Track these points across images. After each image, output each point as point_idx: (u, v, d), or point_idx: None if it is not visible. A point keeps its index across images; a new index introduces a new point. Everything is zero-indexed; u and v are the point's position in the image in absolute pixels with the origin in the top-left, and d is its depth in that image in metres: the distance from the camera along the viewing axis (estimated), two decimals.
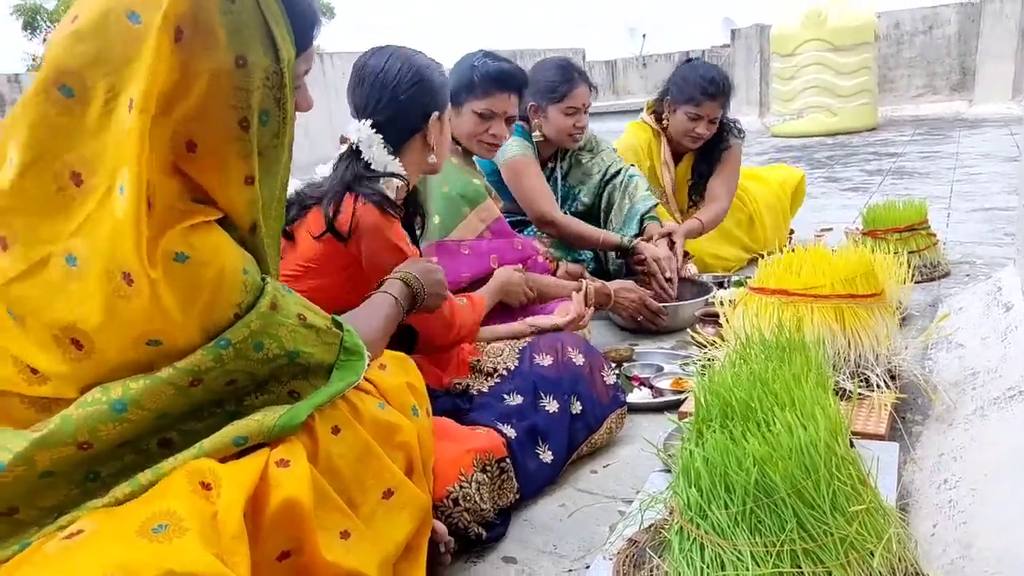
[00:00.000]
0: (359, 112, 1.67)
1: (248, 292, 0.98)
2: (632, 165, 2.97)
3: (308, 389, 1.07)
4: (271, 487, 0.96)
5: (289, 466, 0.98)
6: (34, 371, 0.92)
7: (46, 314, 0.90)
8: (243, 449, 0.99)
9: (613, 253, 2.85)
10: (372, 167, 1.61)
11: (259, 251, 1.04)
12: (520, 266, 2.15)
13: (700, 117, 2.98)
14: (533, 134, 2.75)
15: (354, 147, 1.62)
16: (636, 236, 2.79)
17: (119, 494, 0.93)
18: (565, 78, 2.67)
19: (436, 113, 1.69)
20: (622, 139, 3.23)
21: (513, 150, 2.66)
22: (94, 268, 0.90)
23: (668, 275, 2.60)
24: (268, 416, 1.00)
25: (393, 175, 1.61)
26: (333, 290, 1.53)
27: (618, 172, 2.91)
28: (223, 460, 0.97)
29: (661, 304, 2.50)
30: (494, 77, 2.12)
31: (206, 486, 0.92)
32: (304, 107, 1.10)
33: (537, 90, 2.69)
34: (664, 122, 3.14)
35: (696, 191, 3.21)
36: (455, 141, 2.20)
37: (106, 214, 0.90)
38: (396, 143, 1.66)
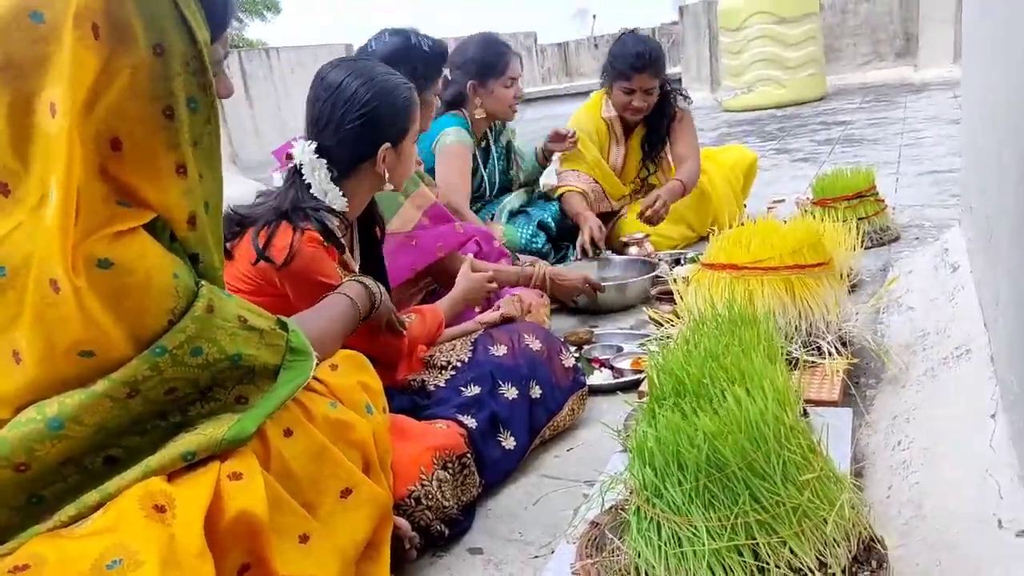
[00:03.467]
0: (312, 126, 1.60)
1: (181, 297, 0.96)
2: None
3: (255, 393, 1.05)
4: (225, 502, 0.94)
5: (242, 479, 0.96)
6: None
7: None
8: (192, 464, 0.97)
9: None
10: (314, 193, 1.55)
11: (204, 243, 1.01)
12: (470, 255, 2.12)
13: (633, 90, 3.06)
14: (475, 112, 2.81)
15: (298, 167, 1.56)
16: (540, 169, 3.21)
17: (64, 516, 0.90)
18: (499, 52, 2.79)
19: (388, 145, 1.60)
20: (572, 120, 3.25)
21: (453, 137, 2.72)
22: (22, 277, 0.87)
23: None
24: (216, 429, 0.98)
25: (330, 210, 1.54)
26: (274, 308, 1.50)
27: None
28: (172, 476, 0.95)
29: (604, 283, 2.52)
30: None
31: (159, 508, 0.90)
32: (224, 94, 1.07)
33: (472, 69, 2.77)
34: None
35: (651, 160, 3.28)
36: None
37: (37, 222, 0.87)
38: (344, 168, 1.59)
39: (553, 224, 3.02)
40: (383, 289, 1.51)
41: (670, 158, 3.30)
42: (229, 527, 0.93)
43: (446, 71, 2.74)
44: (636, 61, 2.99)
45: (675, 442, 0.94)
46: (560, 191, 3.15)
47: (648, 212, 2.93)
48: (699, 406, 0.99)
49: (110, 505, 0.90)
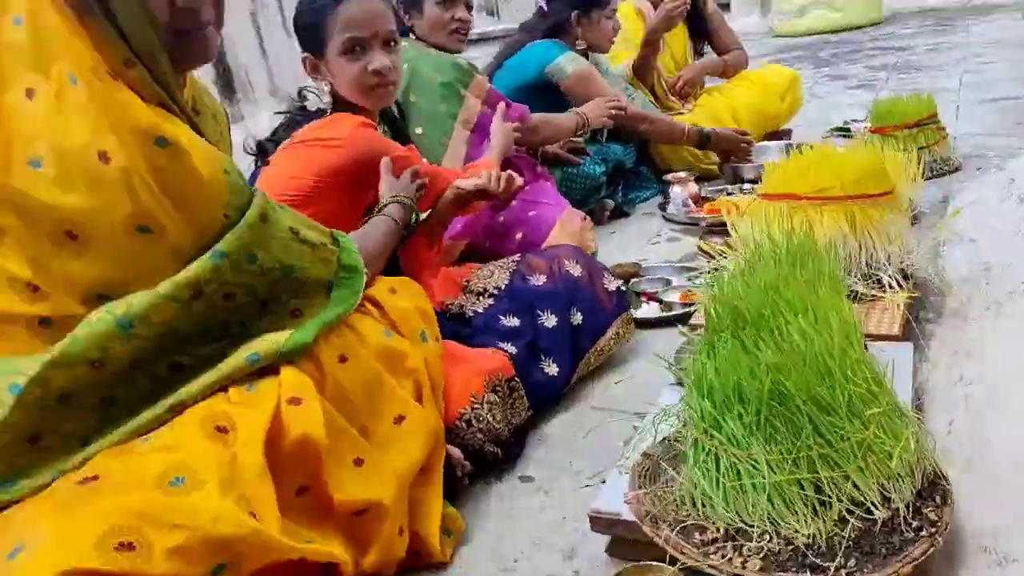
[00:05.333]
0: None
1: (233, 194, 0.98)
2: None
3: (309, 307, 1.07)
4: (285, 426, 0.96)
5: (301, 404, 0.98)
6: (34, 288, 0.91)
7: (34, 207, 0.89)
8: (254, 378, 0.99)
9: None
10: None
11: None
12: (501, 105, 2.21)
13: None
14: (576, 44, 2.81)
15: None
16: None
17: (137, 423, 0.93)
18: None
19: (307, 55, 1.66)
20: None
21: (572, 61, 2.71)
22: (68, 158, 0.89)
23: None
24: (279, 335, 1.01)
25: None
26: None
27: None
28: (234, 398, 0.97)
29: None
30: None
31: (222, 429, 0.92)
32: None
33: (576, 0, 2.75)
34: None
35: (697, 39, 3.40)
36: (424, 40, 2.25)
37: (64, 109, 0.89)
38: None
39: (614, 163, 2.92)
40: (415, 191, 1.54)
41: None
42: (289, 450, 0.96)
43: (541, 2, 2.76)
44: None
45: (736, 375, 0.92)
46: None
47: (679, 84, 2.91)
48: (760, 338, 0.96)
49: (174, 423, 0.92)
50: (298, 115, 1.70)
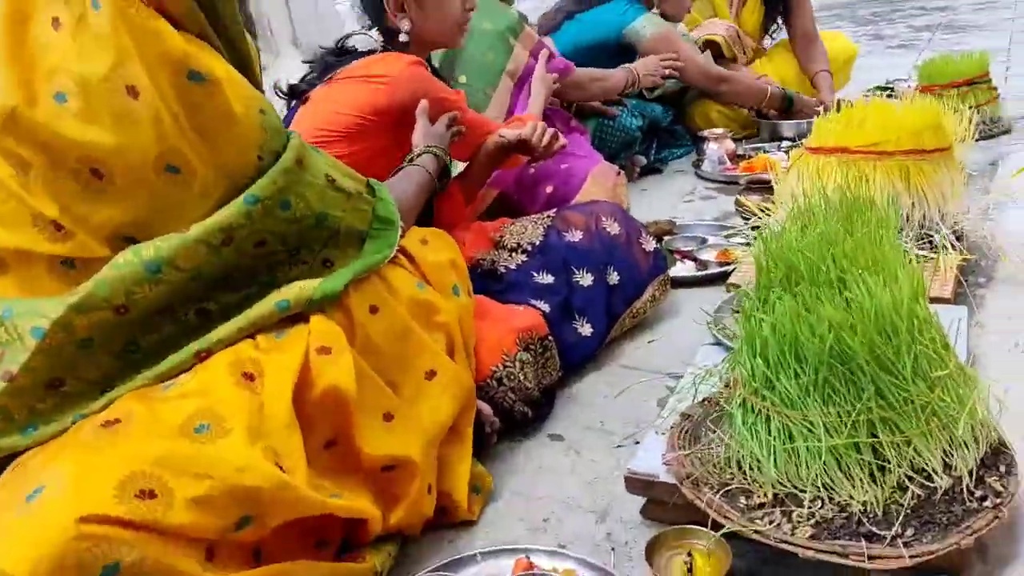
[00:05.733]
0: None
1: (268, 136, 0.93)
2: None
3: (342, 258, 1.03)
4: (314, 376, 0.92)
5: (331, 354, 0.94)
6: (58, 227, 0.87)
7: (58, 142, 0.85)
8: (284, 326, 0.96)
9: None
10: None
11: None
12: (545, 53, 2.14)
13: None
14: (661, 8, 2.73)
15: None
16: None
17: (161, 369, 0.90)
18: None
19: None
20: None
21: (651, 22, 2.63)
22: (93, 91, 0.84)
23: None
24: (309, 283, 0.97)
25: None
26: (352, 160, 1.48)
27: None
28: (263, 344, 0.93)
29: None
30: None
31: (248, 376, 0.88)
32: None
33: None
34: None
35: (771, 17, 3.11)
36: None
37: (87, 39, 0.84)
38: (376, 23, 1.62)
39: (651, 120, 2.81)
40: (448, 140, 1.48)
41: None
42: (318, 401, 0.92)
43: None
44: None
45: (794, 331, 0.86)
46: (704, 39, 2.96)
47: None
48: (819, 294, 0.90)
49: (199, 368, 0.88)
50: (333, 58, 1.63)
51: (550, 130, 1.63)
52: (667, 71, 2.52)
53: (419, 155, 1.39)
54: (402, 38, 1.61)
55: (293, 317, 0.97)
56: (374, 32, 1.60)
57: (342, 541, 1.00)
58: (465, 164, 1.67)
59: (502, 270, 1.55)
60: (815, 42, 2.99)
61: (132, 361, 0.90)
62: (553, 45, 2.39)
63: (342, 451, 0.96)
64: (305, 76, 1.64)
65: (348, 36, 1.67)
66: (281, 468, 0.81)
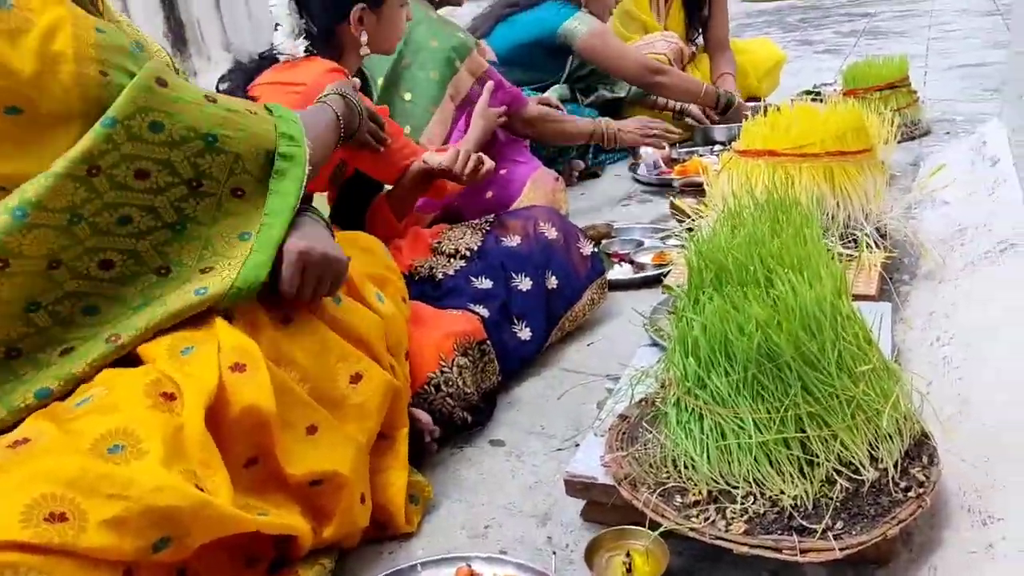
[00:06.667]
0: None
1: (107, 51, 0.88)
2: None
3: (250, 184, 0.97)
4: (229, 395, 0.87)
5: (246, 371, 0.89)
6: None
7: None
8: (196, 319, 0.91)
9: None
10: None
11: None
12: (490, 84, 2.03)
13: None
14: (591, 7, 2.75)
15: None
16: None
17: (81, 363, 0.86)
18: None
19: (362, 5, 1.52)
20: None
21: (585, 20, 2.66)
22: None
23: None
24: (227, 270, 0.93)
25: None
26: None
27: None
28: (178, 357, 0.88)
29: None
30: None
31: (168, 396, 0.83)
32: None
33: None
34: None
35: (694, 23, 3.29)
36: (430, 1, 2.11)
37: None
38: (324, 26, 1.53)
39: None
40: (365, 107, 1.40)
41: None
42: (235, 420, 0.87)
43: None
44: None
45: (724, 330, 0.87)
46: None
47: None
48: (748, 293, 0.91)
49: (116, 381, 0.83)
50: (252, 64, 1.57)
51: (475, 156, 1.59)
52: (653, 134, 2.47)
53: (327, 95, 1.30)
54: (363, 51, 1.57)
55: (201, 320, 0.92)
56: (300, 41, 1.53)
57: (277, 557, 0.97)
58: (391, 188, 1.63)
59: (440, 276, 1.53)
60: (726, 50, 3.21)
61: (34, 321, 0.86)
62: (488, 48, 2.33)
63: (265, 469, 0.92)
64: (223, 77, 1.56)
65: (272, 49, 1.60)
66: (201, 489, 0.78)
